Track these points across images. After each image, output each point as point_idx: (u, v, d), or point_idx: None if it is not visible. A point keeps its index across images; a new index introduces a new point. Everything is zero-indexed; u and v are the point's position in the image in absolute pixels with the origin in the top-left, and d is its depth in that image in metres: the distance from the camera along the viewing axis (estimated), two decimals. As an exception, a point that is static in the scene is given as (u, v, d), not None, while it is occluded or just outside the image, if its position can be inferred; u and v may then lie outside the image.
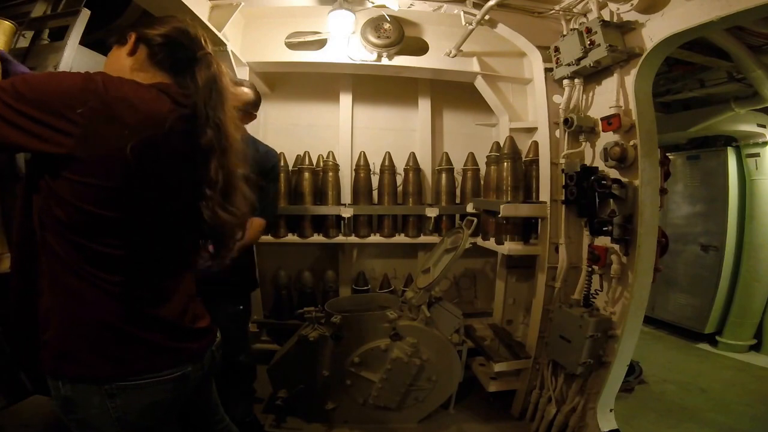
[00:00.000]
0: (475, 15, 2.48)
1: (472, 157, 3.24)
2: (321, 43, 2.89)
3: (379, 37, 2.72)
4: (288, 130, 3.39)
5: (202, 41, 1.11)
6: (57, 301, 0.92)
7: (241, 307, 2.18)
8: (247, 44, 2.79)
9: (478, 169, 3.22)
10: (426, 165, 3.37)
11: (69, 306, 0.92)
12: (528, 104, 3.02)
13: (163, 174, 0.97)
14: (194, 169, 1.02)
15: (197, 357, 1.10)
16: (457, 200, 3.28)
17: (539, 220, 2.70)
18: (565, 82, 2.47)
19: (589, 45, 2.18)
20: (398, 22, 2.76)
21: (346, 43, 2.80)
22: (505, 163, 2.80)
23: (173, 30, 1.08)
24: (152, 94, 0.96)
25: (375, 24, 2.72)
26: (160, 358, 1.00)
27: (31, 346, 0.96)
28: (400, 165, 3.25)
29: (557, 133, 2.63)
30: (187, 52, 1.07)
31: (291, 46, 2.88)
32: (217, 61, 1.11)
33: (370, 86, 3.36)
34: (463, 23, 2.55)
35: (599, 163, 2.29)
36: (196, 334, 1.12)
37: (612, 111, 2.18)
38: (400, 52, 2.85)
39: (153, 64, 1.05)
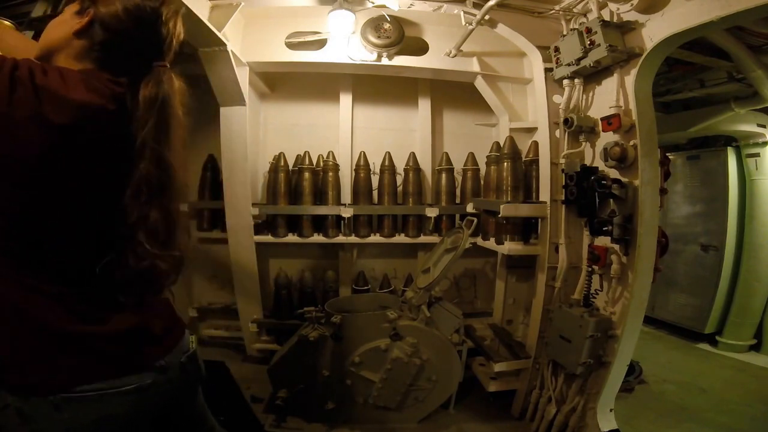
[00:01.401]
0: (475, 15, 2.48)
1: (472, 157, 3.24)
2: (321, 43, 2.89)
3: (379, 37, 2.72)
4: (288, 130, 3.39)
5: (168, 40, 0.91)
6: None
7: None
8: (247, 44, 2.79)
9: (478, 169, 3.23)
10: (426, 165, 3.37)
11: (4, 314, 0.85)
12: (528, 104, 3.02)
13: (90, 169, 0.88)
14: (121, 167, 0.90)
15: (156, 366, 0.97)
16: (457, 200, 3.28)
17: (539, 220, 2.70)
18: (565, 82, 2.47)
19: (589, 45, 2.18)
20: (398, 22, 2.76)
21: (346, 43, 2.80)
22: (505, 163, 2.80)
23: (126, 13, 0.87)
24: (80, 81, 0.85)
25: (375, 24, 2.72)
26: (107, 366, 0.90)
27: None
28: (400, 165, 3.25)
29: (557, 133, 2.63)
30: (135, 51, 0.89)
31: (291, 46, 2.88)
32: (171, 76, 0.90)
33: (370, 86, 3.36)
34: (463, 23, 2.55)
35: (599, 163, 2.29)
36: (155, 339, 1.00)
37: (612, 111, 2.18)
38: (400, 52, 2.86)
39: (91, 60, 0.90)
